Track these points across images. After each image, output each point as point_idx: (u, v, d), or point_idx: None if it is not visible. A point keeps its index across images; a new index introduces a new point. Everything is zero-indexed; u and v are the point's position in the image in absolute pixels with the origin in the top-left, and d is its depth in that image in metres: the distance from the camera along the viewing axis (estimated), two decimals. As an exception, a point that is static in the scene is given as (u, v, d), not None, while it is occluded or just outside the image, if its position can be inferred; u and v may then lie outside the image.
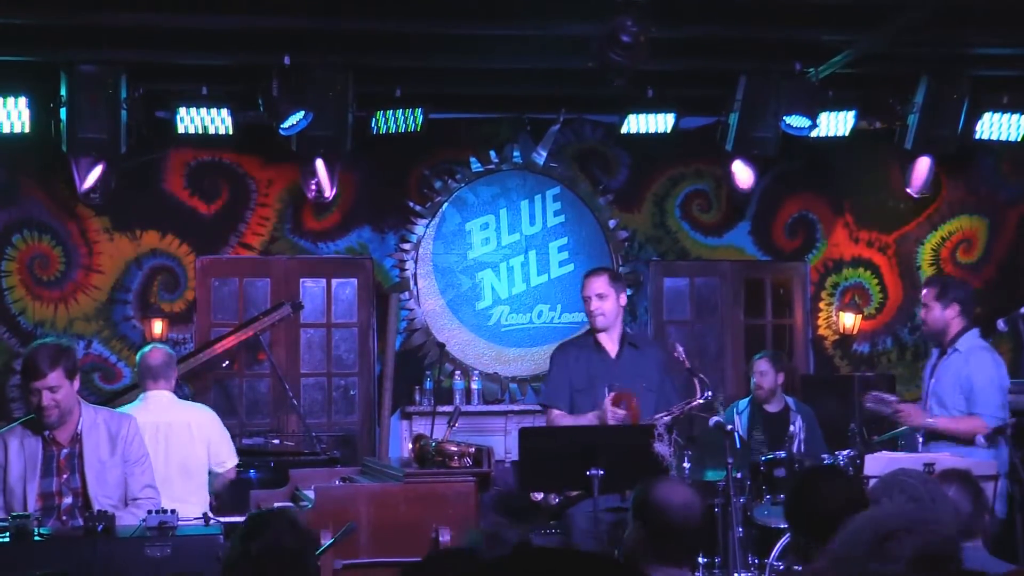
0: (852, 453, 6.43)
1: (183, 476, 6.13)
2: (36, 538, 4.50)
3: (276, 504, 5.62)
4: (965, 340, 6.37)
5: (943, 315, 6.40)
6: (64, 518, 4.92)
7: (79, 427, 4.98)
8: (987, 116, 8.81)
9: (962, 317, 6.40)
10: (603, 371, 6.16)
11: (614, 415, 5.88)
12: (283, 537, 3.25)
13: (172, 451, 6.18)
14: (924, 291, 6.59)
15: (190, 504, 5.71)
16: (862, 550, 2.27)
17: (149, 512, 4.68)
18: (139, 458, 5.11)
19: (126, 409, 6.44)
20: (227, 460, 6.42)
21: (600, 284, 6.23)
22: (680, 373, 6.26)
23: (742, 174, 8.92)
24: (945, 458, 5.76)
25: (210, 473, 6.32)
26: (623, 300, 6.25)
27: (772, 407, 7.79)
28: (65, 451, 4.97)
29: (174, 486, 5.90)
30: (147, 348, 6.57)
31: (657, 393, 6.15)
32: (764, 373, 7.74)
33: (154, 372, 6.36)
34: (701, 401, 6.00)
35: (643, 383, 6.11)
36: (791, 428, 7.14)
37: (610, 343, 6.24)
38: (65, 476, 4.96)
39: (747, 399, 7.94)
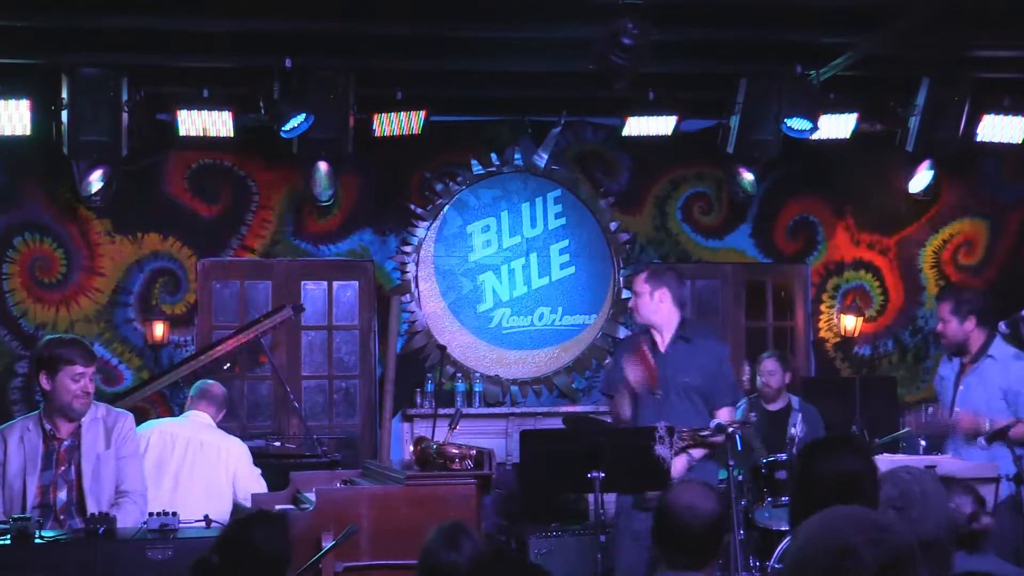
0: (854, 455, 6.43)
1: (203, 493, 6.16)
2: (37, 540, 4.51)
3: (277, 507, 5.61)
4: (996, 348, 6.48)
5: (962, 328, 6.53)
6: (62, 517, 4.94)
7: (81, 420, 5.06)
8: (988, 118, 8.80)
9: (981, 328, 6.53)
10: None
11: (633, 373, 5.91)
12: (257, 536, 3.30)
13: (197, 467, 6.29)
14: (940, 306, 6.73)
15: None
16: (822, 566, 2.15)
17: (151, 514, 4.70)
18: (130, 454, 5.19)
19: (170, 422, 6.65)
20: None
21: (635, 282, 6.24)
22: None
23: (745, 179, 8.95)
24: (947, 460, 5.77)
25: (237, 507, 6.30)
26: (662, 296, 6.08)
27: (773, 406, 7.79)
28: (66, 443, 5.05)
29: (192, 501, 5.90)
30: (210, 380, 6.89)
31: (704, 389, 6.01)
32: (772, 373, 7.76)
33: (208, 397, 6.68)
34: (705, 433, 5.85)
35: (685, 378, 6.00)
36: (791, 431, 7.11)
37: (660, 338, 6.13)
38: (63, 468, 5.02)
39: (745, 398, 7.93)
